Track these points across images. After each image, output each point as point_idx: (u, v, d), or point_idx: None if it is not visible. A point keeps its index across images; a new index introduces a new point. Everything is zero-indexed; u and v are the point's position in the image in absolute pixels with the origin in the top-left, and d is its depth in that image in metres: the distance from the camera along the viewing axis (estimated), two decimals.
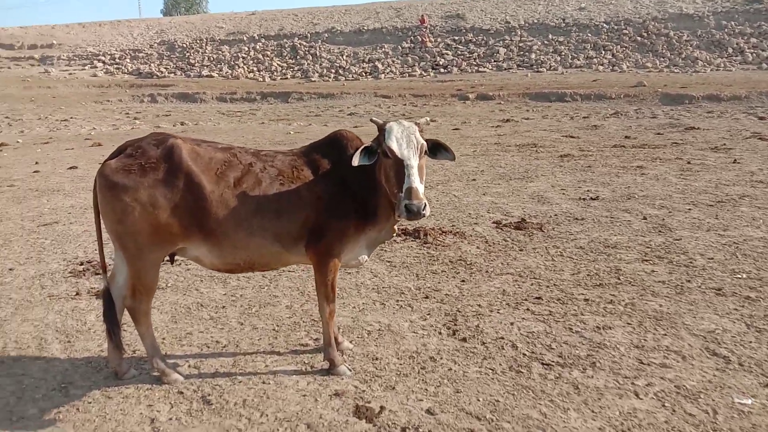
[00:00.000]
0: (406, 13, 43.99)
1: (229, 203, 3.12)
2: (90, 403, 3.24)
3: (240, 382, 3.46)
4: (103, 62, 43.59)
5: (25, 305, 4.64)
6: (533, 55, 33.30)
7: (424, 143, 3.10)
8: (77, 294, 4.86)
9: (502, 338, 3.96)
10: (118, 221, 3.06)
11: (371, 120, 3.37)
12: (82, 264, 5.64)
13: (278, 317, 4.40)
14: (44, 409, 3.20)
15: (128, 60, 43.51)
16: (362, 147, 3.15)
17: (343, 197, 3.34)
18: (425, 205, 2.93)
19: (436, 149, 3.26)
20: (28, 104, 32.44)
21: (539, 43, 34.67)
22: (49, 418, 3.11)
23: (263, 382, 3.45)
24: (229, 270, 3.38)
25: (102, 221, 3.22)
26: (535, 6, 40.06)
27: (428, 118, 3.48)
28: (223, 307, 4.60)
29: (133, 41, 47.77)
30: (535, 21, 37.61)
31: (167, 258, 3.36)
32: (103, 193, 3.07)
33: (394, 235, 3.66)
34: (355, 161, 3.08)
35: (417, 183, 2.95)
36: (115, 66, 42.71)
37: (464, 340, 3.95)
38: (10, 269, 5.56)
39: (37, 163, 13.66)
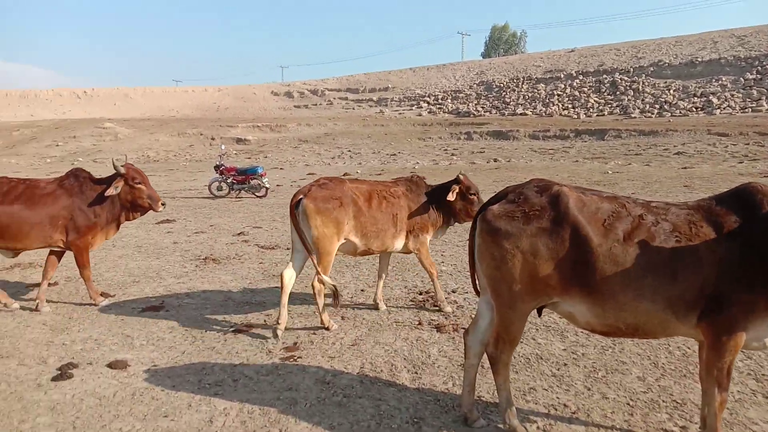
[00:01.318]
0: (752, 40, 38.30)
1: (617, 259, 2.76)
2: None
3: None
4: (428, 102, 48.05)
5: (376, 328, 4.99)
6: None
7: None
8: (419, 324, 5.05)
9: None
10: (495, 267, 2.96)
11: None
12: (421, 294, 5.91)
13: (630, 389, 3.83)
14: None
15: (449, 100, 47.13)
16: None
17: (752, 263, 2.69)
18: None
19: None
20: (365, 140, 37.48)
21: None
22: None
23: None
24: (606, 333, 3.00)
25: (479, 265, 3.16)
26: None
27: None
28: (565, 364, 4.23)
29: (455, 83, 51.66)
30: None
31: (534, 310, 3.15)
32: (484, 237, 3.01)
33: None
34: None
35: None
36: (437, 106, 46.67)
37: None
38: (362, 290, 6.14)
39: None
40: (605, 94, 38.62)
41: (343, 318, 5.25)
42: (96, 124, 43.19)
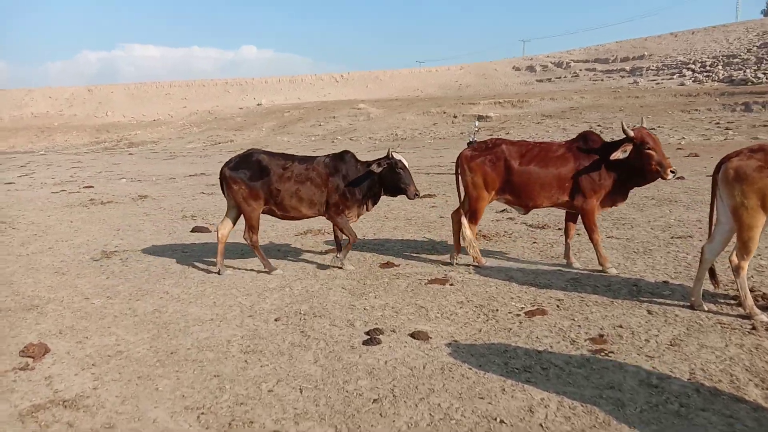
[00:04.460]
0: None
1: None
2: None
3: None
4: (692, 70, 42.55)
5: (696, 327, 4.28)
6: None
7: None
8: (753, 328, 4.20)
9: None
10: None
11: None
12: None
13: None
14: None
15: (720, 67, 41.08)
16: None
17: None
18: None
19: None
20: (617, 113, 34.48)
21: None
22: None
23: None
24: None
25: None
26: None
27: None
28: None
29: (728, 47, 44.81)
30: None
31: None
32: None
33: None
34: None
35: None
36: (705, 74, 41.01)
37: None
38: (665, 282, 5.40)
39: None
40: None
41: (649, 312, 4.64)
42: (351, 106, 47.06)
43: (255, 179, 6.06)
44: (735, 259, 4.34)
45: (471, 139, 15.97)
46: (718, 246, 4.54)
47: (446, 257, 6.59)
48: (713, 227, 4.60)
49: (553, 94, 44.20)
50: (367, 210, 6.34)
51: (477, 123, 20.93)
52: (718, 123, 28.43)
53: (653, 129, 28.99)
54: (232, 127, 46.05)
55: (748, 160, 4.23)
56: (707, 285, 4.79)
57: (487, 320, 4.63)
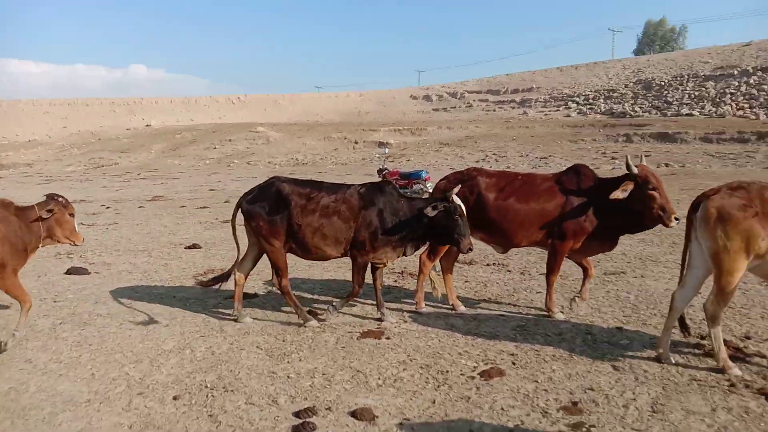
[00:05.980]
0: None
1: None
2: None
3: None
4: (577, 103, 45.26)
5: (672, 387, 3.80)
6: None
7: None
8: (732, 385, 3.79)
9: None
10: None
11: None
12: (703, 338, 4.62)
13: None
14: None
15: (601, 100, 44.02)
16: None
17: None
18: None
19: None
20: (510, 143, 35.84)
21: None
22: None
23: None
24: None
25: None
26: None
27: None
28: None
29: (608, 81, 48.24)
30: None
31: None
32: None
33: None
34: None
35: None
36: (588, 106, 43.74)
37: None
38: (618, 328, 4.96)
39: None
40: None
41: (615, 368, 4.13)
42: (249, 129, 45.47)
43: (273, 213, 5.17)
44: (710, 307, 3.93)
45: (381, 166, 15.48)
46: (691, 292, 4.13)
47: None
48: (685, 271, 4.19)
49: (449, 123, 45.29)
50: (404, 255, 5.34)
51: (387, 150, 20.45)
52: (604, 153, 30.10)
53: (545, 158, 30.26)
54: (117, 149, 42.86)
55: (730, 198, 3.84)
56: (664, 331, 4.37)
57: (438, 386, 3.90)
